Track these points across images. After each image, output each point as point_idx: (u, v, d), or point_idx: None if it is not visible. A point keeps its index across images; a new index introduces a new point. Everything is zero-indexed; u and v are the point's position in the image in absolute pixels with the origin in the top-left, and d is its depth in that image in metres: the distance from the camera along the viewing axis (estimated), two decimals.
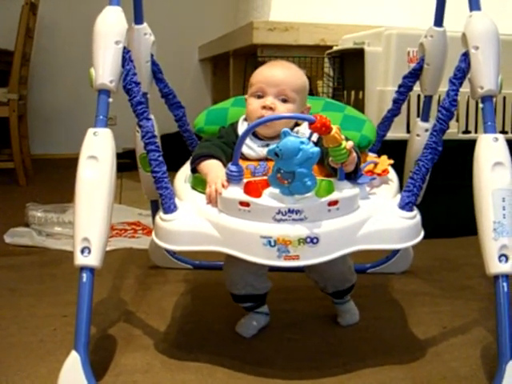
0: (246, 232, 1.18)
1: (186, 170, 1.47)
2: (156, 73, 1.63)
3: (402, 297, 1.79)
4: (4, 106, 3.46)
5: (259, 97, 1.39)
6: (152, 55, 1.61)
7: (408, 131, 2.20)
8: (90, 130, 1.28)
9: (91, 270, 1.23)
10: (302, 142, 1.12)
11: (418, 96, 2.20)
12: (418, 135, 1.70)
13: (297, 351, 1.45)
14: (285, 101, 1.38)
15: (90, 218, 1.23)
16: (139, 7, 1.58)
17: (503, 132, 2.39)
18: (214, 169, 1.30)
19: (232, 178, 1.22)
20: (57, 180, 3.62)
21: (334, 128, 1.15)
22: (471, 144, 1.33)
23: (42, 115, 4.55)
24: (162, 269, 2.01)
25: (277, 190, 1.17)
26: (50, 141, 4.63)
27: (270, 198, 1.17)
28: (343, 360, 1.40)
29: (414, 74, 1.62)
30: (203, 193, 1.28)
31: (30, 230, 2.42)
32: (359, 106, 2.41)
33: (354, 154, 1.23)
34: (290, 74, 1.41)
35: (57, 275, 1.95)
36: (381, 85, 2.30)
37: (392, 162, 1.44)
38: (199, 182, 1.33)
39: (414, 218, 1.29)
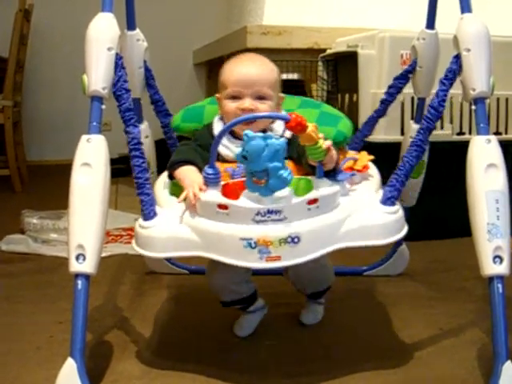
0: (226, 235, 1.17)
1: (164, 177, 1.46)
2: (148, 79, 1.63)
3: (398, 299, 1.79)
4: None
5: (234, 98, 1.36)
6: (145, 61, 1.61)
7: (402, 134, 2.20)
8: (84, 137, 1.28)
9: (86, 276, 1.23)
10: (266, 138, 1.11)
11: (412, 98, 2.21)
12: (411, 137, 1.69)
13: (289, 356, 1.45)
14: (262, 98, 1.36)
15: (84, 224, 1.23)
16: (131, 13, 1.58)
17: (497, 133, 2.40)
18: (189, 174, 1.29)
19: (209, 181, 1.21)
20: (52, 186, 3.61)
21: (310, 126, 1.14)
22: (465, 146, 1.33)
23: (36, 122, 4.55)
24: (157, 274, 2.01)
25: (256, 193, 1.16)
26: (45, 147, 4.63)
27: (249, 199, 1.16)
28: (337, 363, 1.40)
29: (406, 76, 1.62)
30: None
31: (25, 236, 2.41)
32: (353, 108, 2.42)
33: (333, 152, 1.22)
34: (262, 71, 1.38)
35: (53, 282, 1.94)
36: (374, 87, 2.30)
37: (372, 157, 1.43)
38: (177, 190, 1.33)
39: (396, 212, 1.28)
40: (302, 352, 1.46)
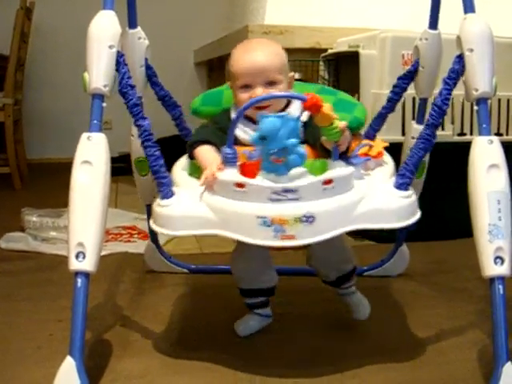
0: (242, 213, 1.19)
1: (182, 160, 1.49)
2: (151, 76, 1.63)
3: (399, 299, 1.79)
4: None
5: (246, 87, 1.37)
6: (146, 59, 1.61)
7: (403, 134, 2.20)
8: (84, 135, 1.28)
9: (86, 274, 1.23)
10: (280, 117, 1.14)
11: (413, 99, 2.20)
12: (413, 137, 1.70)
13: (292, 353, 1.44)
14: (273, 83, 1.37)
15: (85, 222, 1.23)
16: (133, 11, 1.58)
17: (498, 134, 2.40)
18: (208, 154, 1.31)
19: (227, 161, 1.22)
20: (52, 184, 3.60)
21: (326, 106, 1.15)
22: (466, 146, 1.33)
23: (37, 120, 4.54)
24: (157, 273, 2.00)
25: (272, 174, 1.17)
26: (45, 145, 4.63)
27: (265, 178, 1.18)
28: (339, 362, 1.39)
29: (409, 76, 1.62)
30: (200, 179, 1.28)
31: (25, 234, 2.41)
32: None
33: (347, 133, 1.24)
34: (269, 57, 1.38)
35: (52, 280, 1.94)
36: (376, 87, 2.30)
37: (387, 144, 1.44)
38: (196, 169, 1.34)
39: (410, 197, 1.28)
40: (304, 350, 1.46)
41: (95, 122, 1.29)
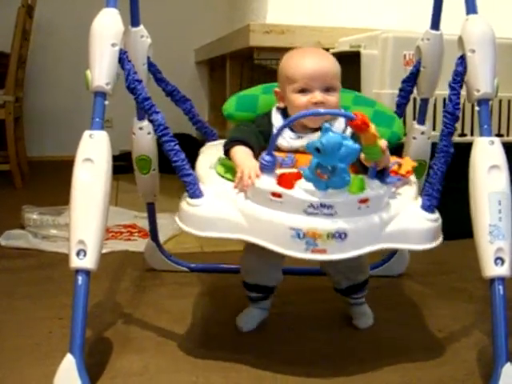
0: (276, 223, 1.19)
1: (206, 158, 1.46)
2: (155, 73, 1.63)
3: (398, 299, 1.79)
4: (0, 109, 3.45)
5: (304, 91, 1.37)
6: (148, 57, 1.61)
7: (404, 134, 2.20)
8: (86, 133, 1.28)
9: (87, 272, 1.23)
10: (344, 138, 1.13)
11: (414, 99, 2.20)
12: (414, 138, 1.70)
13: (294, 354, 1.44)
14: (330, 90, 1.37)
15: (86, 220, 1.23)
16: (136, 9, 1.58)
17: (499, 135, 2.40)
18: (245, 156, 1.29)
19: (265, 168, 1.22)
20: (53, 182, 3.61)
21: (372, 126, 1.16)
22: (467, 147, 1.33)
23: (38, 117, 4.54)
24: (158, 271, 2.00)
25: (310, 184, 1.17)
26: (46, 143, 4.62)
27: (303, 191, 1.18)
28: (340, 363, 1.40)
29: (412, 78, 1.62)
30: (232, 180, 1.28)
31: (25, 232, 2.41)
32: None
33: (387, 153, 1.24)
34: (329, 63, 1.40)
35: (52, 278, 1.94)
36: (377, 88, 2.30)
37: (416, 164, 1.44)
38: (227, 170, 1.33)
39: (437, 220, 1.30)
40: (305, 351, 1.46)
41: (97, 119, 1.29)
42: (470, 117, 2.37)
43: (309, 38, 2.95)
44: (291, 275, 1.75)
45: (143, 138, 1.67)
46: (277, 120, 1.42)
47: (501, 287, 1.23)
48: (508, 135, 2.46)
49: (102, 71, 1.28)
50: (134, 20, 1.58)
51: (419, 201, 1.32)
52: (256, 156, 1.29)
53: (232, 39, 3.36)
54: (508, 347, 1.22)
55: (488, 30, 1.32)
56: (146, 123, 1.65)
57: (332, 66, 1.40)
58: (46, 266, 2.07)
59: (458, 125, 2.38)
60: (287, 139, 1.36)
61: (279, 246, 1.20)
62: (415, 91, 1.67)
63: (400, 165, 1.40)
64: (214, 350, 1.44)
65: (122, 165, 3.04)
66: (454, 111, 1.33)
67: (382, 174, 1.28)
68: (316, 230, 1.17)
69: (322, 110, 1.30)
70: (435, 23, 1.57)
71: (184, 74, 4.80)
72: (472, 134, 2.37)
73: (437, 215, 1.31)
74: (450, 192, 2.31)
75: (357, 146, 1.13)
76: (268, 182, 1.21)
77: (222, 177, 1.34)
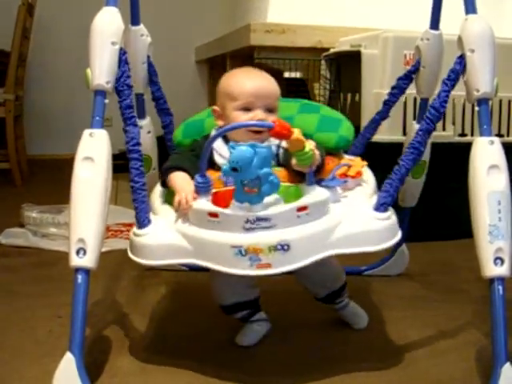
0: (217, 242, 1.17)
1: (159, 186, 1.46)
2: (151, 75, 1.62)
3: (398, 299, 1.79)
4: (0, 107, 3.45)
5: (245, 109, 1.36)
6: (148, 56, 1.61)
7: (404, 134, 2.20)
8: (86, 131, 1.28)
9: (86, 271, 1.23)
10: (253, 146, 1.12)
11: (415, 99, 2.21)
12: None
13: (289, 356, 1.44)
14: (270, 111, 1.37)
15: (86, 219, 1.23)
16: (136, 8, 1.58)
17: (499, 135, 2.40)
18: (181, 181, 1.29)
19: (200, 189, 1.22)
20: (53, 181, 3.62)
21: (296, 131, 1.14)
22: (467, 147, 1.33)
23: (38, 116, 4.55)
24: (157, 270, 2.00)
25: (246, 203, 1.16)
26: (46, 141, 4.63)
27: (238, 207, 1.17)
28: (337, 364, 1.40)
29: (409, 77, 1.62)
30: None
31: (25, 230, 2.41)
32: (355, 108, 2.42)
33: (317, 153, 1.22)
34: (272, 84, 1.40)
35: (52, 276, 1.94)
36: (377, 87, 2.30)
37: (365, 163, 1.42)
38: (171, 196, 1.32)
39: (389, 218, 1.27)
40: (300, 353, 1.46)
41: (97, 118, 1.28)
42: (470, 117, 2.37)
43: (309, 38, 2.96)
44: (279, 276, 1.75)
45: (143, 137, 1.66)
46: (216, 142, 1.38)
47: (500, 287, 1.23)
48: (508, 135, 2.47)
49: (102, 70, 1.28)
50: (134, 19, 1.58)
51: (373, 200, 1.30)
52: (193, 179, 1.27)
53: (233, 38, 3.36)
54: (507, 347, 1.21)
55: (487, 29, 1.31)
56: (145, 122, 1.65)
57: (275, 88, 1.39)
58: (46, 264, 2.08)
59: (458, 125, 2.38)
60: (226, 156, 1.32)
61: (224, 266, 1.18)
62: (415, 91, 1.67)
63: (350, 166, 1.39)
64: (213, 350, 1.45)
65: (122, 164, 3.04)
66: (440, 108, 1.32)
67: (317, 173, 1.26)
68: (257, 244, 1.15)
69: (242, 123, 1.30)
70: (435, 23, 1.57)
71: (184, 73, 4.81)
72: (472, 134, 2.37)
73: (388, 213, 1.27)
74: (449, 192, 2.33)
75: (267, 147, 1.13)
76: (203, 203, 1.20)
77: (168, 203, 1.34)
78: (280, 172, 1.25)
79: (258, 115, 1.34)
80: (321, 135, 1.42)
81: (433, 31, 1.57)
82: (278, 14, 3.19)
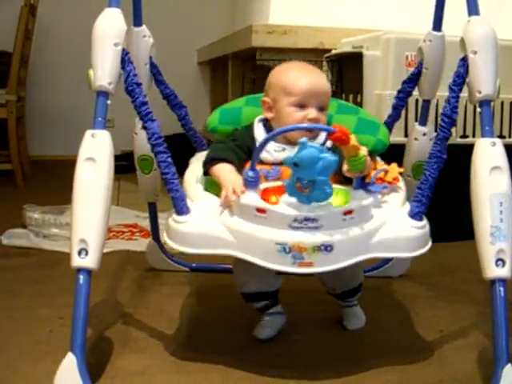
0: (262, 238, 1.19)
1: (194, 171, 1.46)
2: (156, 75, 1.63)
3: (399, 301, 1.79)
4: (2, 108, 3.46)
5: (300, 106, 1.37)
6: (151, 57, 1.61)
7: (406, 135, 2.20)
8: (88, 132, 1.28)
9: (88, 271, 1.23)
10: (321, 151, 1.13)
11: (416, 100, 2.20)
12: (416, 139, 1.70)
13: (292, 354, 1.45)
14: (322, 109, 1.39)
15: (88, 219, 1.23)
16: (138, 9, 1.58)
17: (501, 137, 2.40)
18: (228, 173, 1.29)
19: (249, 183, 1.23)
20: (54, 181, 3.62)
21: (353, 138, 1.16)
22: (469, 149, 1.33)
23: (40, 117, 4.55)
24: (159, 271, 2.01)
25: (294, 199, 1.17)
26: (48, 142, 4.63)
27: (287, 205, 1.18)
28: (339, 364, 1.40)
29: (413, 79, 1.62)
30: (216, 195, 1.28)
31: (27, 231, 2.42)
32: None
33: (369, 161, 1.25)
34: (326, 83, 1.42)
35: (54, 277, 1.94)
36: (379, 88, 2.30)
37: (402, 170, 1.44)
38: (212, 184, 1.33)
39: (424, 227, 1.30)
40: (304, 352, 1.46)
41: (99, 119, 1.29)
42: (472, 118, 2.37)
43: (311, 39, 2.95)
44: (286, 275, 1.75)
45: (145, 138, 1.67)
46: (259, 133, 1.41)
47: (501, 289, 1.23)
48: (510, 137, 2.46)
49: (104, 71, 1.28)
50: (137, 20, 1.59)
51: (407, 207, 1.33)
52: (238, 171, 1.29)
53: (234, 39, 3.36)
54: (508, 349, 1.21)
55: (490, 31, 1.32)
56: None
57: (328, 87, 1.42)
58: (47, 265, 2.08)
59: (460, 126, 2.38)
60: (271, 152, 1.36)
61: (266, 261, 1.20)
62: (416, 92, 1.67)
63: (386, 172, 1.40)
64: (215, 351, 1.44)
65: (124, 164, 3.05)
66: (452, 114, 1.34)
67: (366, 184, 1.28)
68: (301, 243, 1.17)
69: (302, 125, 1.32)
70: (437, 24, 1.57)
71: (186, 75, 4.81)
72: (474, 136, 2.37)
73: (424, 222, 1.31)
74: (451, 194, 2.33)
75: (335, 157, 1.14)
76: (252, 198, 1.21)
77: (209, 192, 1.34)
78: None
79: (311, 113, 1.36)
80: (359, 137, 1.42)
81: (435, 33, 1.57)
82: (280, 16, 3.18)
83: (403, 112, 2.23)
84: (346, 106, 1.62)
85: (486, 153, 1.29)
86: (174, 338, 1.52)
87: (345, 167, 1.23)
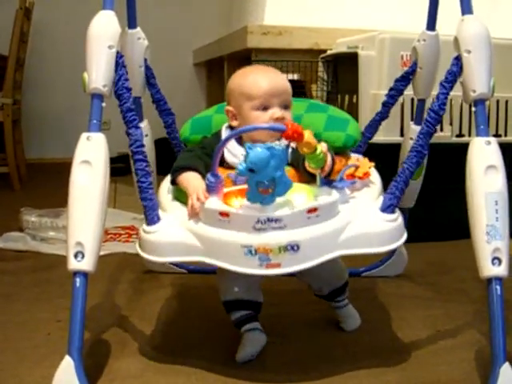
0: (227, 242, 1.19)
1: (168, 182, 1.45)
2: (149, 78, 1.63)
3: (396, 300, 1.79)
4: None
5: (263, 108, 1.37)
6: (145, 60, 1.61)
7: (401, 135, 2.20)
8: (84, 135, 1.28)
9: (84, 274, 1.23)
10: (269, 148, 1.12)
11: (412, 100, 2.21)
12: (411, 138, 1.70)
13: (288, 355, 1.44)
14: (286, 107, 1.38)
15: (83, 222, 1.23)
16: (133, 11, 1.58)
17: (497, 135, 2.40)
18: (193, 181, 1.29)
19: (211, 189, 1.22)
20: (51, 184, 3.60)
21: (307, 133, 1.15)
22: (465, 148, 1.33)
23: (36, 120, 4.54)
24: (156, 273, 2.00)
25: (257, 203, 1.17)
26: (44, 145, 4.63)
27: (249, 207, 1.17)
28: (335, 363, 1.40)
29: (406, 78, 1.62)
30: (185, 203, 1.28)
31: (24, 234, 2.41)
32: (353, 109, 2.42)
33: (329, 156, 1.23)
34: (285, 81, 1.41)
35: (51, 280, 1.94)
36: (374, 88, 2.30)
37: (373, 164, 1.43)
38: (181, 193, 1.33)
39: (396, 220, 1.28)
40: (299, 352, 1.46)
41: (94, 121, 1.29)
42: (468, 118, 2.38)
43: (306, 39, 2.96)
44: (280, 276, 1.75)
45: None
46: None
47: (498, 287, 1.23)
48: (506, 135, 2.47)
49: (98, 73, 1.28)
50: (131, 22, 1.59)
51: (380, 201, 1.31)
52: (204, 178, 1.28)
53: (230, 41, 3.37)
54: (506, 347, 1.21)
55: (483, 30, 1.32)
56: (143, 125, 1.65)
57: (287, 84, 1.41)
58: (45, 268, 2.08)
59: (456, 125, 2.38)
60: (239, 156, 1.35)
61: (234, 265, 1.19)
62: (412, 92, 1.67)
63: (357, 167, 1.39)
64: (212, 353, 1.44)
65: (120, 167, 3.05)
66: (439, 110, 1.34)
67: (331, 179, 1.27)
68: (267, 244, 1.16)
69: (255, 126, 1.30)
70: (431, 24, 1.57)
71: (182, 76, 4.82)
72: (470, 135, 2.38)
73: (396, 215, 1.29)
74: (447, 192, 2.33)
75: (281, 147, 1.13)
76: (214, 202, 1.21)
77: (178, 201, 1.35)
78: (289, 171, 1.26)
79: (276, 113, 1.36)
80: (329, 134, 1.42)
81: (429, 32, 1.58)
82: (275, 16, 3.19)
83: (399, 112, 2.25)
84: (317, 104, 1.61)
85: (481, 152, 1.29)
86: (171, 341, 1.52)
87: (306, 163, 1.22)
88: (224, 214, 1.18)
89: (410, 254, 1.98)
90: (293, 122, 1.20)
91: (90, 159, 1.26)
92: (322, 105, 1.63)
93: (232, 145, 1.38)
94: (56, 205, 2.54)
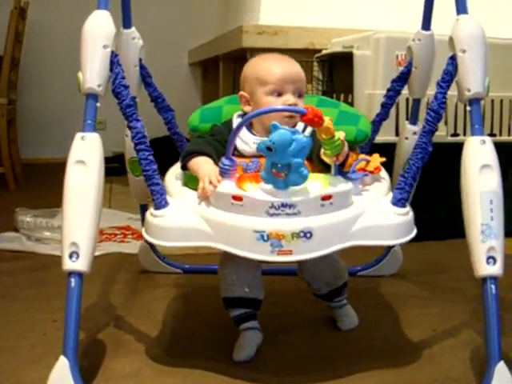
0: (239, 226, 1.18)
1: (176, 168, 1.46)
2: (145, 77, 1.63)
3: (392, 299, 1.79)
4: None
5: (276, 94, 1.37)
6: (140, 59, 1.61)
7: (397, 134, 2.20)
8: (78, 135, 1.28)
9: (79, 274, 1.22)
10: (294, 133, 1.11)
11: (407, 99, 2.21)
12: (406, 138, 1.71)
13: (287, 355, 1.44)
14: (300, 95, 1.38)
15: (78, 222, 1.23)
16: (127, 11, 1.58)
17: (491, 135, 2.41)
18: (205, 165, 1.28)
19: (225, 172, 1.21)
20: (46, 184, 3.59)
21: (327, 119, 1.14)
22: (460, 147, 1.33)
23: (31, 120, 4.53)
24: (151, 273, 2.00)
25: (270, 185, 1.16)
26: (39, 145, 4.61)
27: (263, 192, 1.16)
28: (334, 364, 1.40)
29: (403, 78, 1.62)
30: (194, 189, 1.27)
31: (19, 234, 2.41)
32: None
33: (346, 146, 1.23)
34: (300, 69, 1.41)
35: (46, 280, 1.94)
36: (370, 88, 2.31)
37: (384, 159, 1.43)
38: (191, 179, 1.33)
39: (407, 214, 1.29)
40: (299, 352, 1.46)
41: (89, 121, 1.28)
42: (463, 117, 2.38)
43: (301, 39, 2.96)
44: (280, 276, 1.75)
45: None
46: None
47: (493, 286, 1.23)
48: (500, 135, 2.47)
49: (93, 73, 1.27)
50: (126, 22, 1.58)
51: (390, 196, 1.32)
52: (216, 164, 1.27)
53: (225, 40, 3.36)
54: (501, 346, 1.22)
55: (478, 30, 1.32)
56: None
57: (302, 72, 1.41)
58: (40, 268, 2.07)
59: (451, 125, 2.39)
60: (250, 144, 1.35)
61: (244, 251, 1.18)
62: (407, 91, 1.67)
63: (368, 161, 1.40)
64: (209, 353, 1.44)
65: (116, 167, 3.04)
66: (439, 110, 1.34)
67: (342, 167, 1.27)
68: (280, 230, 1.15)
69: (276, 107, 1.30)
70: (426, 23, 1.57)
71: (177, 76, 4.81)
72: (465, 134, 2.38)
73: (407, 209, 1.29)
74: (443, 191, 2.34)
75: (307, 138, 1.13)
76: (228, 186, 1.20)
77: (188, 187, 1.34)
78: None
79: (289, 99, 1.35)
80: (340, 128, 1.42)
81: (424, 32, 1.58)
82: (270, 16, 3.18)
83: (394, 111, 2.25)
84: (327, 100, 1.62)
85: (476, 151, 1.29)
86: (166, 341, 1.52)
87: (322, 151, 1.21)
88: (237, 198, 1.17)
89: (404, 254, 1.98)
90: None
91: (85, 159, 1.25)
92: (333, 101, 1.64)
93: (244, 132, 1.37)
94: (51, 205, 2.53)
